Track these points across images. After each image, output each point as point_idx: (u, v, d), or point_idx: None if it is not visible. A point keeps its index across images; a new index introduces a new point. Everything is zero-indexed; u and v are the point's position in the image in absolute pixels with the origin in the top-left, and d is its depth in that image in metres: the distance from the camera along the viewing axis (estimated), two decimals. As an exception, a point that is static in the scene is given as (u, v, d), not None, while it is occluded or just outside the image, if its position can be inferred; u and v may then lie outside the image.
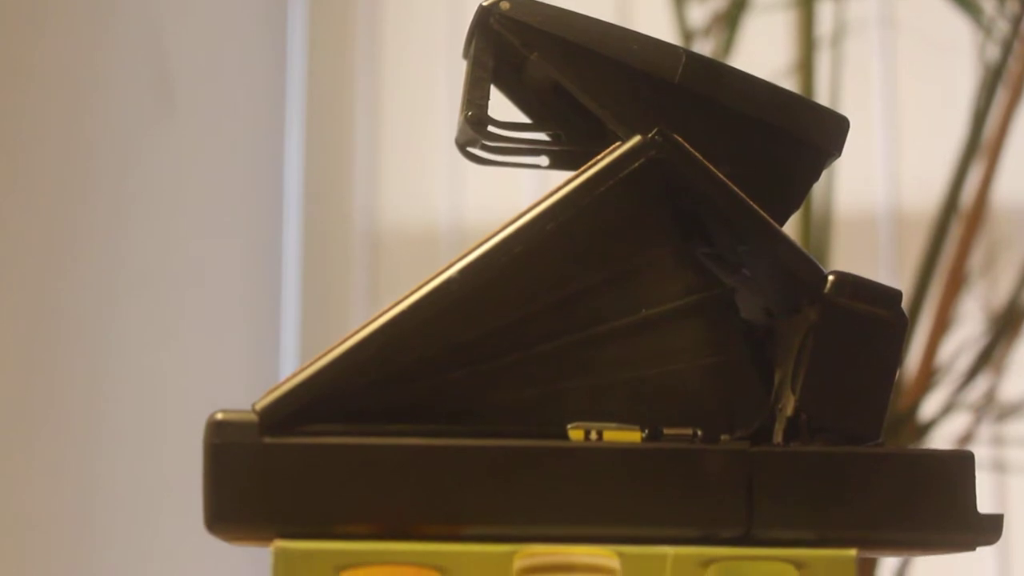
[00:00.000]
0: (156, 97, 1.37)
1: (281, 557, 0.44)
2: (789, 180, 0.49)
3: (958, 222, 1.05)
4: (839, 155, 0.50)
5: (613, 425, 0.46)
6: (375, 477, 0.44)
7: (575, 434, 0.46)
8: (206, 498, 0.44)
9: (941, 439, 1.03)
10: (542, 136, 0.53)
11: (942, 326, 1.04)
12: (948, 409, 1.02)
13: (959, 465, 0.46)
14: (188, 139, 1.41)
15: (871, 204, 1.42)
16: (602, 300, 0.47)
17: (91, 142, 1.32)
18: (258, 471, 0.44)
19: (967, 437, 1.06)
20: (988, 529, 0.46)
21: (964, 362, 1.03)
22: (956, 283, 1.05)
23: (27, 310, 1.24)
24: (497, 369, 0.46)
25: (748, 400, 0.47)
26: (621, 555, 0.44)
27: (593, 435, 0.46)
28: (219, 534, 0.45)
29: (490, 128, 0.50)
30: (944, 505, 0.46)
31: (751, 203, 0.47)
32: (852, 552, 0.45)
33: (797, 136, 0.49)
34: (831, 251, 1.05)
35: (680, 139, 0.47)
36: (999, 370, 1.07)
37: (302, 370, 0.45)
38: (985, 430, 1.08)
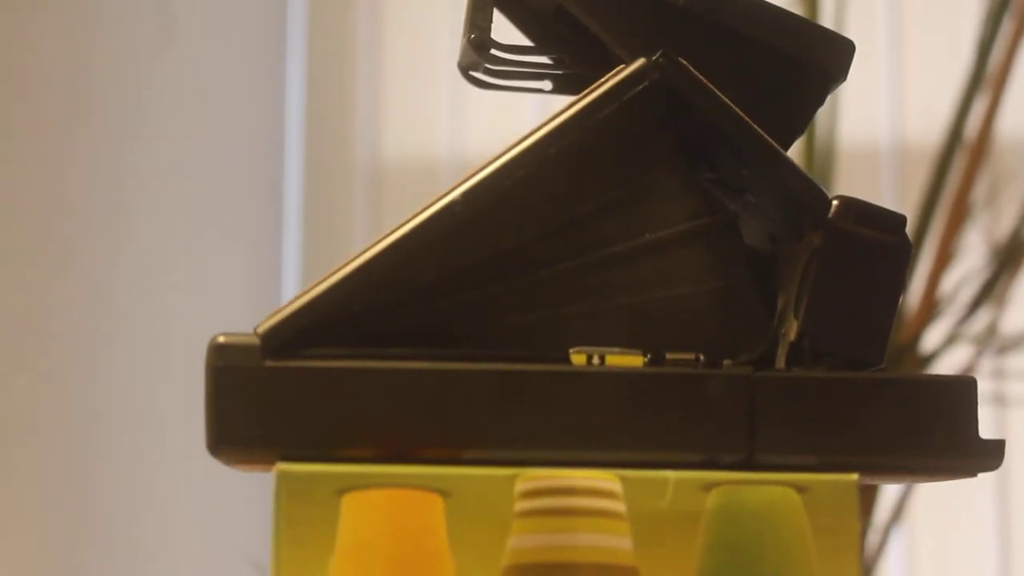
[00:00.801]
0: (157, 27, 1.36)
1: (283, 480, 0.44)
2: (794, 104, 0.49)
3: (962, 154, 1.05)
4: (844, 79, 0.49)
5: (616, 350, 0.46)
6: (376, 401, 0.44)
7: (577, 358, 0.45)
8: (208, 422, 0.44)
9: (943, 371, 1.03)
10: (545, 60, 0.52)
11: (945, 258, 1.04)
12: (950, 341, 1.02)
13: (961, 391, 0.46)
14: (188, 69, 1.41)
15: (875, 135, 1.42)
16: (605, 224, 0.47)
17: (93, 71, 1.31)
18: (260, 395, 0.44)
19: (968, 369, 1.06)
20: (990, 455, 0.46)
21: (966, 294, 1.03)
22: (959, 215, 1.04)
23: (29, 230, 1.23)
24: (499, 293, 0.46)
25: (751, 325, 0.47)
26: (623, 479, 0.44)
27: (596, 359, 0.45)
28: (222, 458, 0.45)
29: (493, 51, 0.50)
30: (946, 431, 0.46)
31: (755, 127, 0.47)
32: (854, 477, 0.45)
33: (802, 60, 0.48)
34: (834, 182, 1.04)
35: (684, 62, 0.47)
36: (1001, 303, 1.07)
37: (304, 293, 0.45)
38: (986, 363, 1.08)
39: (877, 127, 1.42)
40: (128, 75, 1.34)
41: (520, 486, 0.44)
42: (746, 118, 0.47)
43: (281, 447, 0.44)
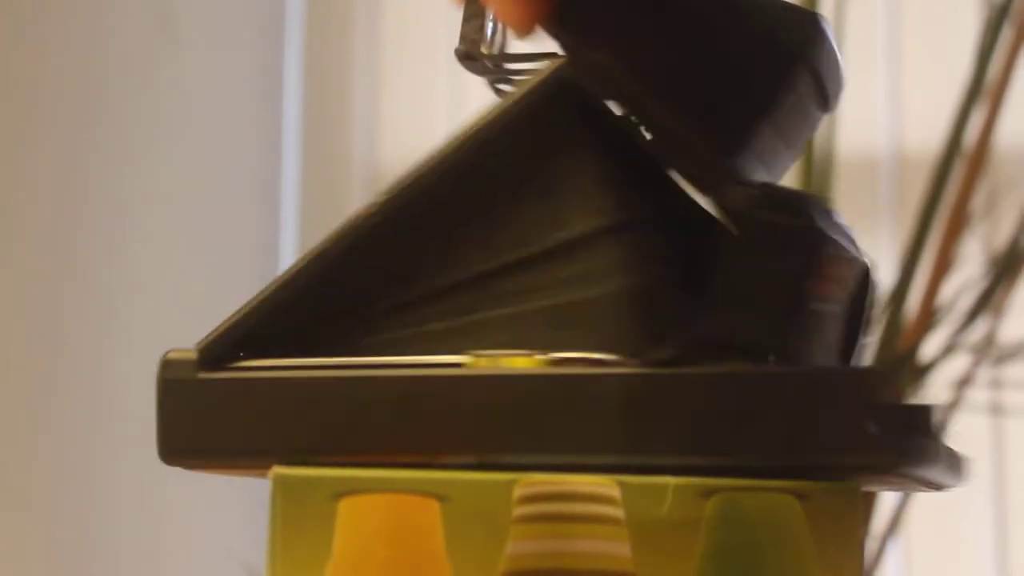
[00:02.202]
0: (159, 30, 1.36)
1: (279, 484, 0.43)
2: (748, 78, 0.46)
3: (961, 163, 1.04)
4: (814, 52, 0.46)
5: (514, 352, 0.45)
6: (284, 408, 0.45)
7: (476, 362, 0.45)
8: (157, 430, 0.47)
9: (940, 380, 1.03)
10: (536, 65, 0.51)
11: (943, 268, 1.03)
12: (948, 351, 1.02)
13: (850, 384, 0.43)
14: (188, 71, 1.40)
15: (874, 145, 1.42)
16: (522, 226, 0.46)
17: (94, 76, 1.31)
18: (193, 405, 0.46)
19: (966, 379, 1.06)
20: (884, 452, 0.42)
21: (965, 304, 1.03)
22: (958, 224, 1.04)
23: (29, 233, 1.23)
24: (420, 300, 0.46)
25: (668, 323, 0.45)
26: (622, 484, 0.44)
27: (487, 362, 0.45)
28: (172, 464, 0.47)
29: (483, 62, 0.49)
30: (833, 427, 0.42)
31: (664, 118, 0.45)
32: (856, 484, 0.44)
33: (756, 32, 0.46)
34: (833, 191, 1.04)
35: (597, 58, 0.46)
36: (999, 312, 1.06)
37: (240, 309, 0.47)
38: (984, 372, 1.08)
39: (876, 136, 1.42)
40: (128, 77, 1.34)
41: (518, 491, 0.43)
42: (655, 107, 0.45)
43: (213, 454, 0.46)
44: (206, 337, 0.47)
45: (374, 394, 0.45)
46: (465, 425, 0.44)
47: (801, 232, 0.44)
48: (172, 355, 0.47)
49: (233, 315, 0.47)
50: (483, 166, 0.46)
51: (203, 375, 0.46)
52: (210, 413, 0.46)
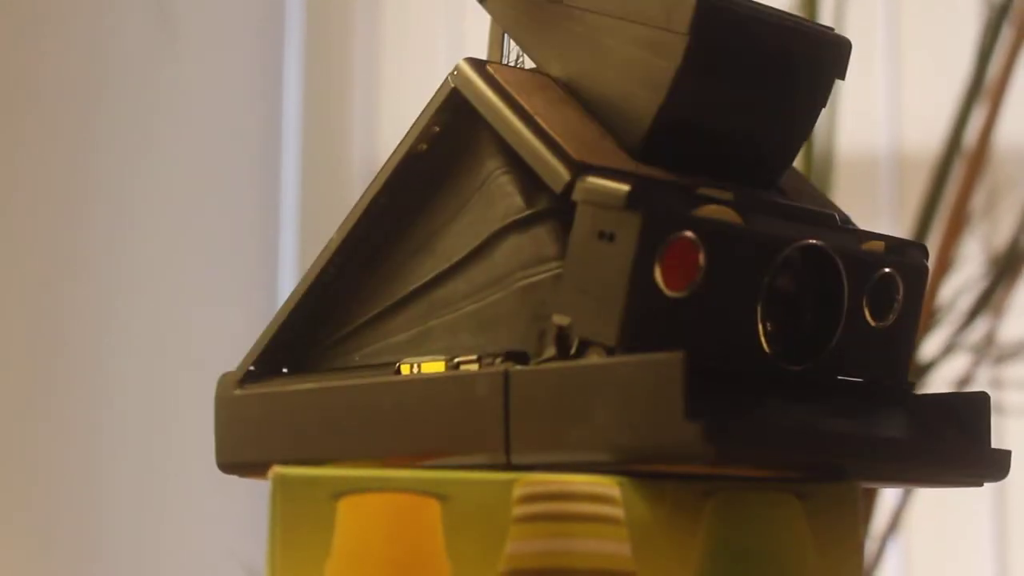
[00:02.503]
0: (159, 33, 1.36)
1: (279, 484, 0.43)
2: (647, 74, 0.46)
3: (961, 163, 1.04)
4: (700, 40, 0.45)
5: (429, 358, 0.47)
6: (280, 420, 0.50)
7: (404, 368, 0.48)
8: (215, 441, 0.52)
9: (941, 380, 1.03)
10: None
11: (943, 267, 1.03)
12: (948, 350, 1.02)
13: (663, 371, 0.41)
14: (187, 72, 1.40)
15: (874, 144, 1.41)
16: (450, 239, 0.48)
17: (94, 74, 1.31)
18: (232, 418, 0.51)
19: (966, 379, 1.05)
20: (700, 442, 0.40)
21: (965, 303, 1.03)
22: (958, 224, 1.04)
23: (29, 233, 1.23)
24: (384, 314, 0.49)
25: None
26: (622, 484, 0.44)
27: (415, 368, 0.47)
28: (224, 471, 0.52)
29: None
30: (653, 416, 0.41)
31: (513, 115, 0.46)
32: (856, 484, 0.44)
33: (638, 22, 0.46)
34: (833, 192, 1.04)
35: (487, 66, 0.47)
36: (999, 312, 1.06)
37: (264, 331, 0.52)
38: (984, 372, 1.08)
39: (876, 135, 1.42)
40: (128, 76, 1.34)
41: (518, 491, 0.43)
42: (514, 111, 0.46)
43: (248, 463, 0.51)
44: (246, 356, 0.52)
45: (336, 403, 0.49)
46: (390, 428, 0.47)
47: (630, 217, 0.43)
48: (225, 375, 0.52)
49: (260, 336, 0.52)
50: (407, 188, 0.49)
51: (237, 392, 0.51)
52: (243, 425, 0.51)
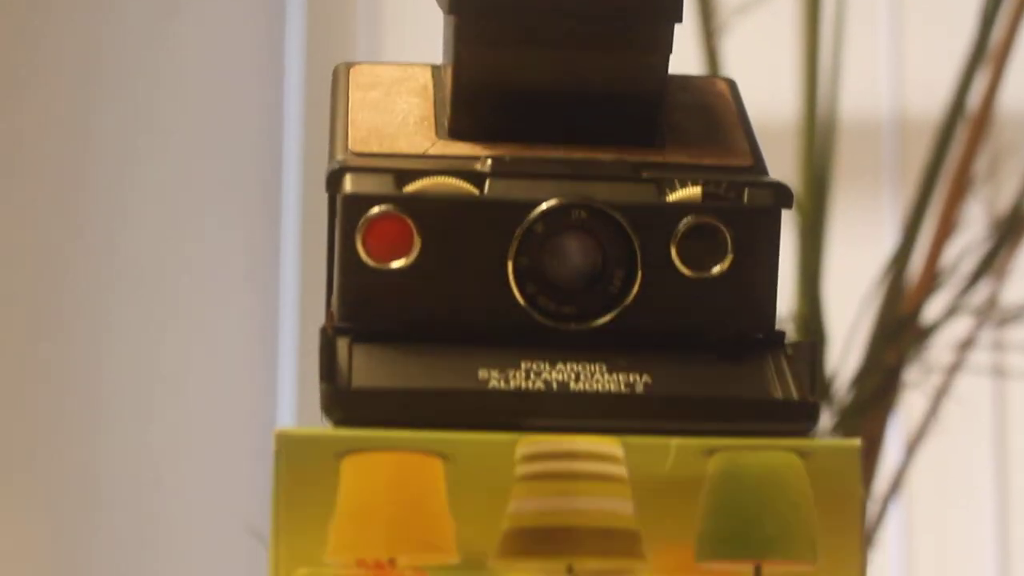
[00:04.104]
0: (158, 9, 1.36)
1: (283, 443, 0.44)
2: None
3: (963, 127, 1.04)
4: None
5: None
6: None
7: None
8: None
9: (943, 343, 1.03)
10: None
11: (946, 231, 1.03)
12: (950, 313, 1.02)
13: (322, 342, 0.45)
14: (187, 65, 1.40)
15: (876, 109, 1.41)
16: None
17: (93, 60, 1.31)
18: None
19: (968, 342, 1.06)
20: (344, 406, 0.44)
21: (967, 267, 1.03)
22: (960, 188, 1.04)
23: (25, 222, 1.23)
24: None
25: None
26: (625, 443, 0.44)
27: None
28: None
29: None
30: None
31: None
32: (856, 442, 0.45)
33: None
34: (835, 156, 1.04)
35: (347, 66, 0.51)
36: (1001, 275, 1.06)
37: None
38: (986, 335, 1.08)
39: (878, 100, 1.42)
40: (127, 64, 1.33)
41: (521, 450, 0.44)
42: None
43: None
44: None
45: None
46: None
47: (337, 201, 0.46)
48: None
49: None
50: None
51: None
52: None
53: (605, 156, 0.48)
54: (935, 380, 1.04)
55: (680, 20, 0.47)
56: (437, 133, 0.49)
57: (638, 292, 0.46)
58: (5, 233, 1.20)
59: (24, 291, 1.22)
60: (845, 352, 0.99)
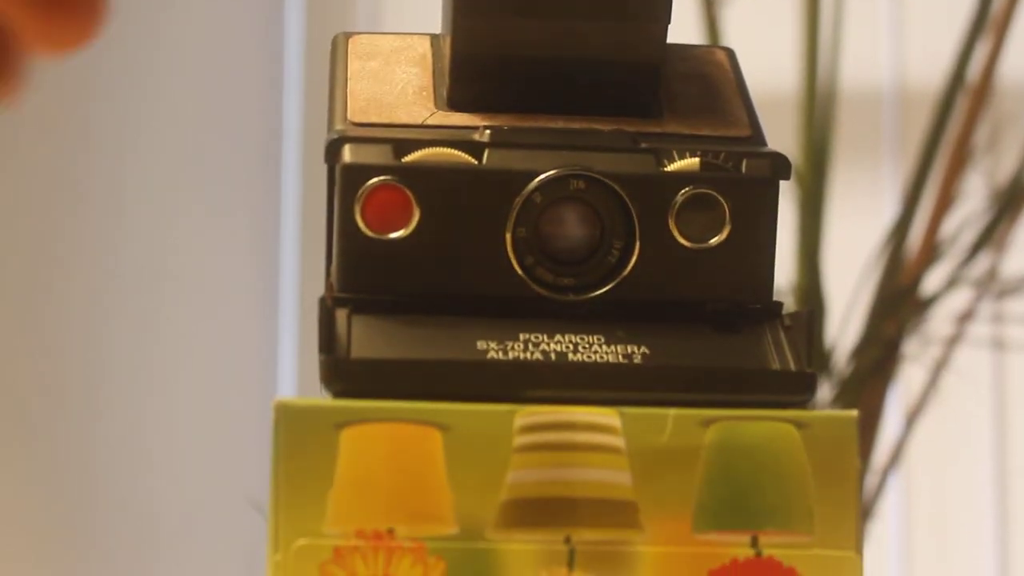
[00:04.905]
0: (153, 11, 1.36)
1: (282, 414, 0.44)
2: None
3: (964, 97, 1.04)
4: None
5: None
6: None
7: None
8: None
9: (943, 315, 1.03)
10: None
11: (945, 202, 1.03)
12: (950, 285, 1.02)
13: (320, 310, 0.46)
14: (185, 60, 1.40)
15: (876, 79, 1.41)
16: None
17: (91, 58, 1.31)
18: None
19: (968, 314, 1.06)
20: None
21: (967, 238, 1.03)
22: (960, 159, 1.04)
23: (22, 222, 1.23)
24: None
25: None
26: (623, 414, 0.44)
27: None
28: None
29: None
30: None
31: None
32: (854, 413, 0.45)
33: None
34: (836, 126, 1.04)
35: (345, 36, 0.51)
36: (1001, 247, 1.06)
37: None
38: (986, 307, 1.08)
39: (878, 71, 1.42)
40: (127, 36, 1.33)
41: (519, 421, 0.44)
42: None
43: None
44: None
45: None
46: None
47: (336, 172, 0.47)
48: None
49: None
50: None
51: None
52: None
53: (603, 126, 0.48)
54: (934, 352, 1.04)
55: None
56: (436, 103, 0.49)
57: (636, 263, 0.46)
58: (9, 192, 1.20)
59: (25, 258, 1.22)
60: (844, 324, 0.99)
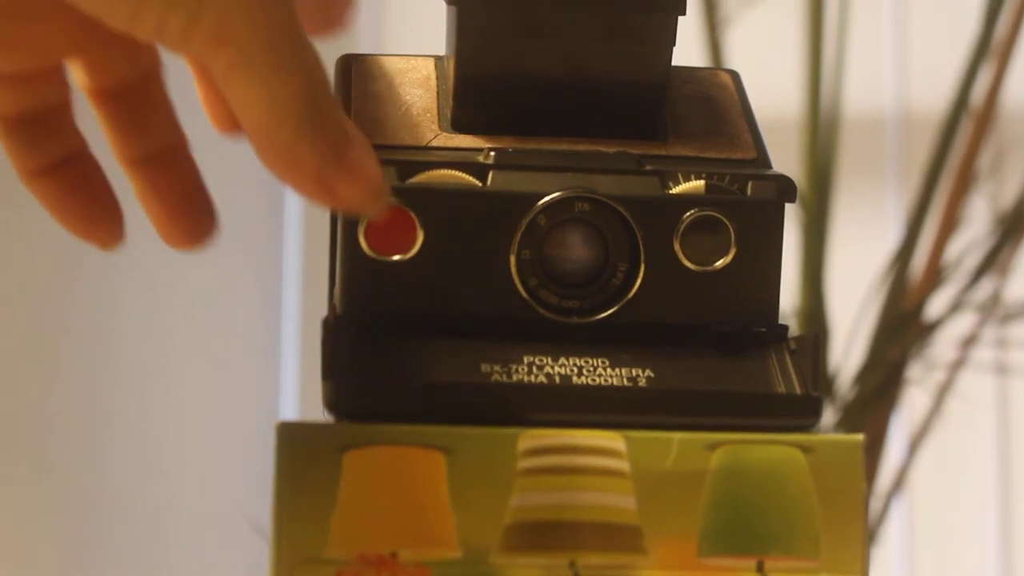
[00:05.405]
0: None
1: (284, 436, 0.43)
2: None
3: (967, 121, 1.04)
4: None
5: None
6: None
7: None
8: None
9: (946, 339, 1.03)
10: None
11: (949, 226, 1.03)
12: (953, 309, 1.01)
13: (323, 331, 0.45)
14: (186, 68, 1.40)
15: (880, 103, 1.41)
16: None
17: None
18: None
19: (971, 338, 1.05)
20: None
21: (971, 262, 1.03)
22: (964, 183, 1.04)
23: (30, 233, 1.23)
24: None
25: None
26: (627, 438, 0.44)
27: None
28: None
29: None
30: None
31: None
32: (859, 437, 0.45)
33: None
34: (839, 150, 1.04)
35: (350, 59, 0.51)
36: (1005, 271, 1.06)
37: None
38: (990, 332, 1.08)
39: (882, 94, 1.42)
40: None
41: (523, 444, 0.44)
42: None
43: None
44: None
45: None
46: None
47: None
48: None
49: None
50: None
51: None
52: None
53: (608, 148, 0.48)
54: (938, 376, 1.03)
55: (683, 12, 0.47)
56: (440, 125, 0.49)
57: (641, 285, 0.46)
58: (8, 242, 1.20)
59: (29, 283, 1.22)
60: (848, 348, 0.99)
